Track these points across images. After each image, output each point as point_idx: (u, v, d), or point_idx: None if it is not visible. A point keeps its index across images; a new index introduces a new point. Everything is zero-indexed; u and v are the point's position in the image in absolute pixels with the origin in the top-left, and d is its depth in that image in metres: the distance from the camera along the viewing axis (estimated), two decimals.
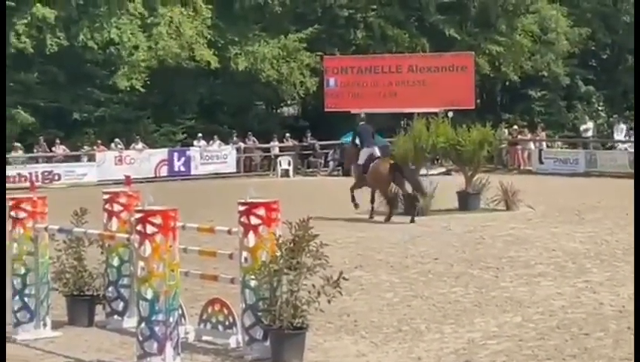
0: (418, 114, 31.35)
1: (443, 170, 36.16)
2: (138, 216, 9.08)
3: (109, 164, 40.43)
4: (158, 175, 40.22)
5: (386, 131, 36.82)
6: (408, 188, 23.24)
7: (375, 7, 49.66)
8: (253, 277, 9.51)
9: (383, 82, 45.20)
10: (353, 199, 23.42)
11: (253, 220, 9.51)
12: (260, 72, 46.99)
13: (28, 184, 34.40)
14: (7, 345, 10.27)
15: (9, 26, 42.23)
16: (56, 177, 39.38)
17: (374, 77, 45.59)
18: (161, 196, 9.62)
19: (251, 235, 9.51)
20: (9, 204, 10.81)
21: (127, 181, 11.47)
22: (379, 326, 11.02)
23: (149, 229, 8.90)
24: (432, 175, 27.34)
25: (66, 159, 41.72)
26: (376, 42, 49.38)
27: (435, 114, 27.15)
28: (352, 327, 11.00)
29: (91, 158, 41.41)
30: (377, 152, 23.90)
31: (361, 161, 23.62)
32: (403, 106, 43.21)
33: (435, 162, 34.03)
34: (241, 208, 9.60)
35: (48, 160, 41.51)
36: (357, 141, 24.30)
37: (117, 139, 42.47)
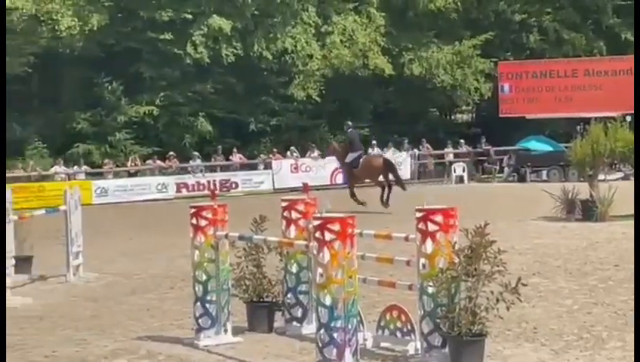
0: (595, 118, 30.75)
1: (621, 175, 35.32)
2: (316, 223, 9.15)
3: (285, 172, 41.02)
4: (333, 182, 40.56)
5: (561, 136, 36.22)
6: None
7: (549, 10, 48.88)
8: (431, 283, 9.47)
9: (559, 87, 44.56)
10: (354, 197, 28.51)
11: (431, 227, 9.47)
12: (434, 78, 46.88)
13: (206, 192, 35.43)
14: (190, 350, 10.53)
15: (186, 37, 43.37)
16: (234, 185, 40.18)
17: (549, 81, 45.00)
18: (338, 204, 9.68)
19: (429, 242, 9.47)
20: (191, 211, 11.05)
21: (305, 188, 11.58)
22: (559, 334, 10.81)
23: (328, 236, 8.95)
24: (611, 180, 26.73)
25: (243, 167, 42.53)
26: (551, 46, 48.66)
27: (613, 118, 26.54)
28: (531, 334, 10.82)
29: (267, 166, 42.06)
30: (362, 155, 29.88)
31: (348, 160, 29.33)
32: (579, 111, 42.40)
33: (613, 167, 33.29)
34: (419, 215, 9.58)
35: (226, 168, 42.38)
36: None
37: (292, 148, 43.03)
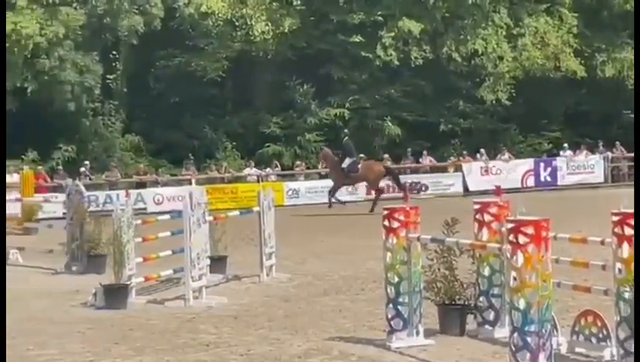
0: None
1: None
2: (510, 226, 9.05)
3: (475, 175, 40.71)
4: (524, 185, 40.02)
5: None
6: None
7: None
8: (627, 289, 9.24)
9: None
10: (334, 198, 32.16)
11: (627, 231, 9.24)
12: (627, 80, 45.71)
13: (396, 195, 35.51)
14: (382, 352, 10.58)
15: (376, 40, 43.62)
16: (424, 188, 40.09)
17: None
18: (529, 206, 9.55)
19: (625, 246, 9.24)
20: (383, 213, 11.10)
21: (498, 191, 11.47)
22: None
23: (522, 239, 8.84)
24: None
25: (433, 170, 42.41)
26: None
27: None
28: None
29: (457, 169, 41.82)
30: (358, 161, 33.05)
31: (344, 165, 32.33)
32: None
33: None
34: (615, 218, 9.36)
35: (415, 171, 42.37)
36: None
37: (482, 150, 42.68)
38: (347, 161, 32.57)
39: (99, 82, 43.44)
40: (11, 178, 32.47)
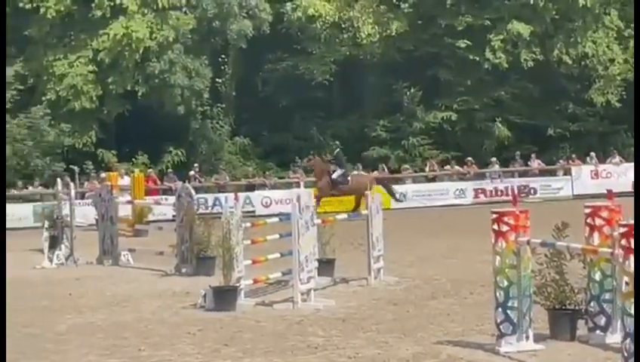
0: None
1: None
2: (622, 230, 8.92)
3: (585, 178, 40.12)
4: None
5: None
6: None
7: None
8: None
9: None
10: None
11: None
12: None
13: (504, 198, 35.25)
14: (490, 356, 10.51)
15: (484, 43, 43.32)
16: (532, 191, 39.66)
17: None
18: None
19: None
20: (492, 217, 11.01)
21: (610, 195, 11.29)
22: None
23: (634, 244, 8.71)
24: None
25: (542, 173, 41.91)
26: None
27: None
28: None
29: (567, 172, 41.25)
30: (347, 173, 32.77)
31: (335, 176, 31.93)
32: None
33: None
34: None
35: (524, 174, 41.93)
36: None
37: (592, 153, 42.03)
38: (338, 172, 32.37)
39: (208, 85, 43.99)
40: (123, 180, 33.06)
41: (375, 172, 40.96)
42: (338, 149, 33.90)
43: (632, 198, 30.73)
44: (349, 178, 32.56)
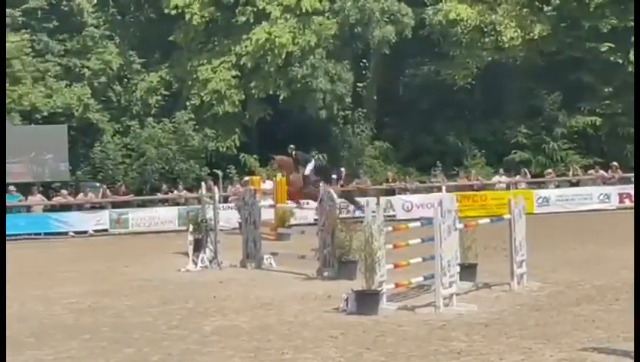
0: None
1: None
2: None
3: None
4: None
5: None
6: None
7: None
8: None
9: None
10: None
11: None
12: None
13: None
14: None
15: (629, 45, 42.42)
16: None
17: None
18: None
19: None
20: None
21: None
22: None
23: None
24: None
25: None
26: None
27: None
28: None
29: None
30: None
31: (307, 173, 30.00)
32: None
33: None
34: None
35: None
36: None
37: None
38: (309, 167, 30.55)
39: (349, 90, 44.18)
40: (265, 184, 33.42)
41: (517, 176, 40.46)
42: (295, 151, 31.41)
43: None
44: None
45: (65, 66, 44.61)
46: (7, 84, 41.46)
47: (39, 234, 35.48)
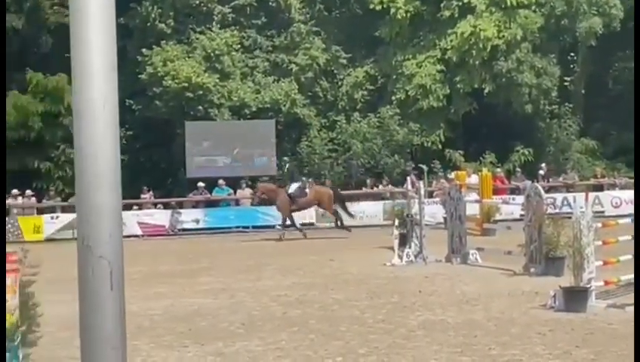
0: None
1: None
2: None
3: None
4: None
5: None
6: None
7: None
8: None
9: None
10: (289, 226, 31.57)
11: None
12: None
13: None
14: None
15: None
16: None
17: None
18: None
19: None
20: None
21: None
22: None
23: None
24: None
25: None
26: None
27: None
28: None
29: None
30: (303, 186, 32.13)
31: (290, 191, 31.49)
32: None
33: None
34: None
35: None
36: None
37: None
38: (293, 186, 31.92)
39: (556, 84, 43.44)
40: (470, 179, 33.29)
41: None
42: (288, 165, 33.32)
43: None
44: (307, 190, 32.23)
45: (273, 62, 45.56)
46: (217, 80, 42.74)
47: (247, 227, 36.39)
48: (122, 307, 3.58)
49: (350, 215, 32.94)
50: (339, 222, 32.26)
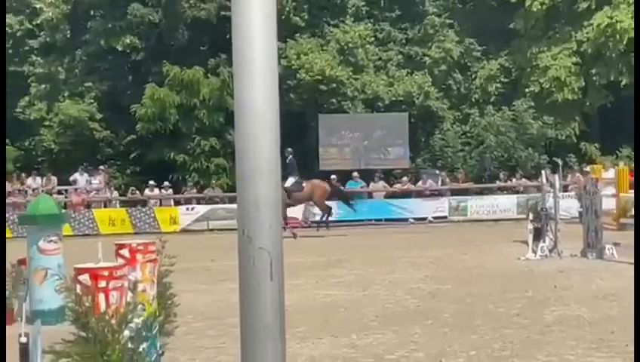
0: None
1: None
2: None
3: None
4: None
5: None
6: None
7: None
8: None
9: None
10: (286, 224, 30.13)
11: None
12: None
13: None
14: None
15: None
16: None
17: None
18: None
19: None
20: None
21: None
22: None
23: None
24: None
25: None
26: None
27: None
28: None
29: None
30: (300, 180, 31.88)
31: (287, 185, 30.59)
32: None
33: None
34: None
35: None
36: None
37: None
38: (290, 180, 31.31)
39: None
40: (607, 173, 32.78)
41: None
42: (290, 156, 31.22)
43: None
44: (304, 185, 32.05)
45: (406, 55, 45.60)
46: (350, 73, 42.98)
47: (380, 220, 36.53)
48: (282, 298, 3.71)
49: (354, 210, 33.66)
50: (323, 218, 32.76)
